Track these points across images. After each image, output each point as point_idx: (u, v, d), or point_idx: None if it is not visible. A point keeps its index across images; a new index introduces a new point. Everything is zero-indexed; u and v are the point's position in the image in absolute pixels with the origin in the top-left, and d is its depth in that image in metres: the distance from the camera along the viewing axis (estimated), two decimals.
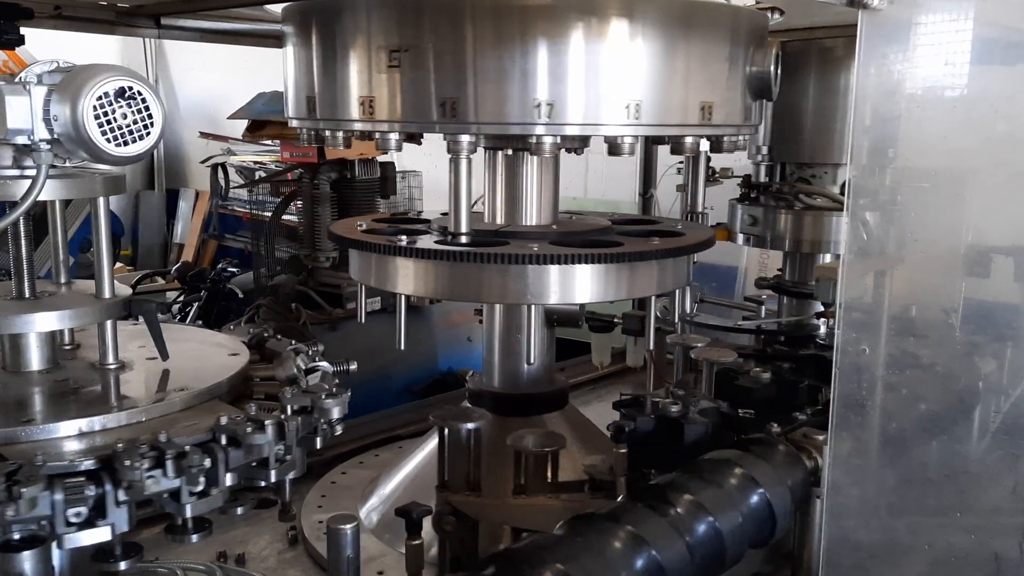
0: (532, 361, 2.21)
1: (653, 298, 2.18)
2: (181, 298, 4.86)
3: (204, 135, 7.75)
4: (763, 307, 3.13)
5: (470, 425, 1.92)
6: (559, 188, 2.37)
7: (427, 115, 1.87)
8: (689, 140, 2.01)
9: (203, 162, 7.81)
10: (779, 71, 2.10)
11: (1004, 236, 1.70)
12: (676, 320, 2.31)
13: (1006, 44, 1.81)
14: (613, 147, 1.94)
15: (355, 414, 3.23)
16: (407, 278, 2.11)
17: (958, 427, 1.59)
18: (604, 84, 1.87)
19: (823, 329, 2.80)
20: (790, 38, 2.66)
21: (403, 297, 2.14)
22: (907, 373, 1.60)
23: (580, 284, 2.05)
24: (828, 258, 2.81)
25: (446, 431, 1.94)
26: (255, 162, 7.11)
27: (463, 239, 2.06)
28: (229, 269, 4.59)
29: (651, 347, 2.35)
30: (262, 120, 4.38)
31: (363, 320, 2.29)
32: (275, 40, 2.15)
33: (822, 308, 2.83)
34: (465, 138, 1.91)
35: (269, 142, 5.90)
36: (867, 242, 1.69)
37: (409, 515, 1.72)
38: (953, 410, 1.60)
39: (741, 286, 4.40)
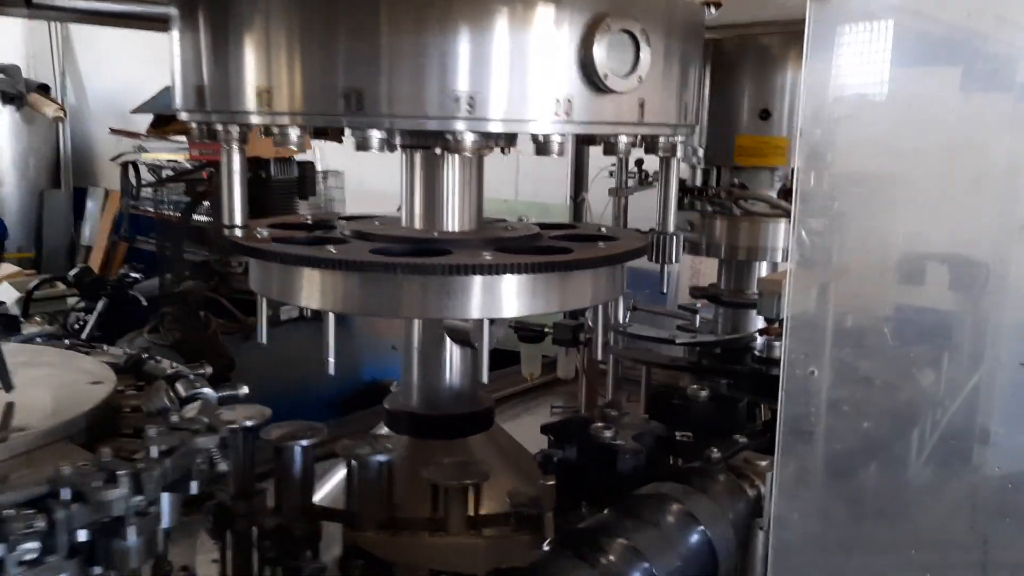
0: (485, 380, 2.03)
1: (600, 307, 2.02)
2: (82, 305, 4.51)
3: (114, 131, 7.32)
4: (698, 316, 3.00)
5: (380, 457, 1.72)
6: (483, 191, 2.19)
7: (332, 107, 1.67)
8: (624, 140, 1.85)
9: (113, 159, 7.39)
10: None
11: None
12: (599, 335, 2.14)
13: (945, 44, 1.71)
14: (541, 146, 1.76)
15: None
16: (313, 291, 1.90)
17: (912, 455, 1.46)
18: (532, 77, 1.70)
19: (759, 340, 2.69)
20: (726, 35, 2.53)
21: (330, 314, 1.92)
22: (859, 395, 1.47)
23: (508, 296, 1.86)
24: (765, 267, 2.69)
25: (353, 464, 1.74)
26: (168, 160, 6.74)
27: (376, 246, 1.87)
28: (132, 275, 4.27)
29: (599, 356, 2.19)
30: (167, 115, 4.09)
31: (263, 339, 2.05)
32: (162, 24, 1.91)
33: (761, 319, 2.72)
34: (375, 133, 1.71)
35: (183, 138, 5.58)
36: (813, 252, 1.55)
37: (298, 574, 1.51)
38: (907, 437, 1.47)
39: (675, 292, 4.29)
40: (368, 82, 1.64)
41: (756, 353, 2.56)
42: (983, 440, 1.62)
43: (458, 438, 2.20)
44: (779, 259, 2.58)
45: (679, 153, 2.03)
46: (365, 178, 5.63)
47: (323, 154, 5.45)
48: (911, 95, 1.66)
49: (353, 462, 1.74)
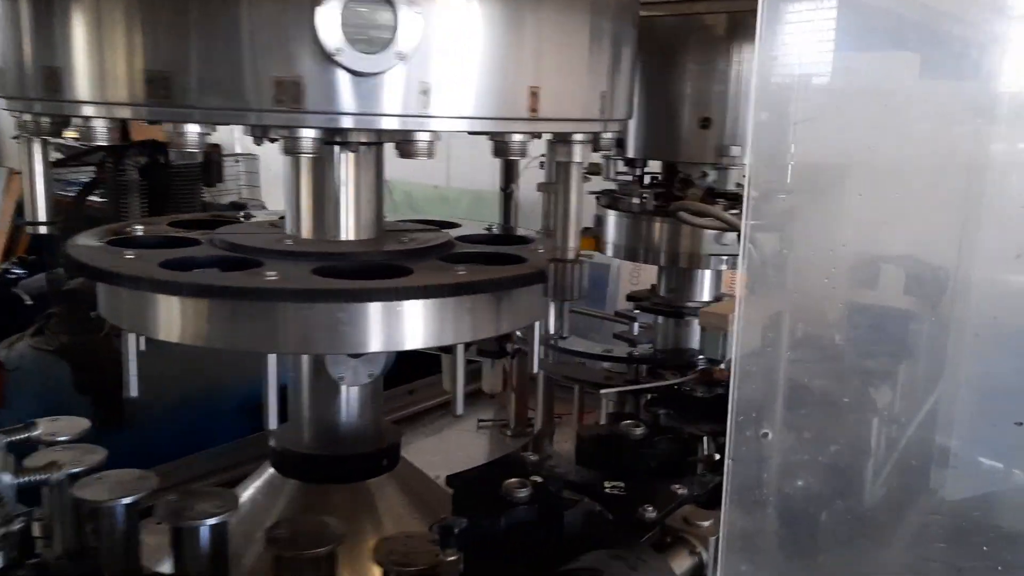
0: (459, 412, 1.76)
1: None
2: None
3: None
4: (636, 323, 2.72)
5: (211, 521, 1.39)
6: (383, 192, 1.87)
7: (134, 94, 1.32)
8: (579, 139, 1.55)
9: (15, 137, 6.83)
10: None
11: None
12: (535, 350, 1.86)
13: (905, 27, 1.50)
14: (405, 149, 1.46)
15: (177, 447, 2.69)
16: (169, 322, 1.57)
17: (886, 533, 1.20)
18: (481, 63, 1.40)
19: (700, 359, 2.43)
20: (664, 12, 2.24)
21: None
22: (821, 460, 1.20)
23: (411, 326, 1.56)
24: (708, 275, 2.42)
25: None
26: (74, 138, 6.22)
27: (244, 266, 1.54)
28: (14, 270, 3.83)
29: (534, 369, 1.91)
30: None
31: (132, 393, 1.71)
32: None
33: (701, 330, 2.46)
34: (192, 129, 1.36)
35: None
36: (765, 271, 1.28)
37: None
38: (882, 512, 1.21)
39: (614, 291, 4.03)
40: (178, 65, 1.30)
41: (700, 369, 2.31)
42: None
43: (358, 481, 1.90)
44: (722, 266, 2.32)
45: (577, 156, 1.60)
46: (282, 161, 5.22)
47: (234, 135, 5.03)
48: (867, 83, 1.46)
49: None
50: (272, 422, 1.61)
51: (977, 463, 1.45)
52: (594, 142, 1.67)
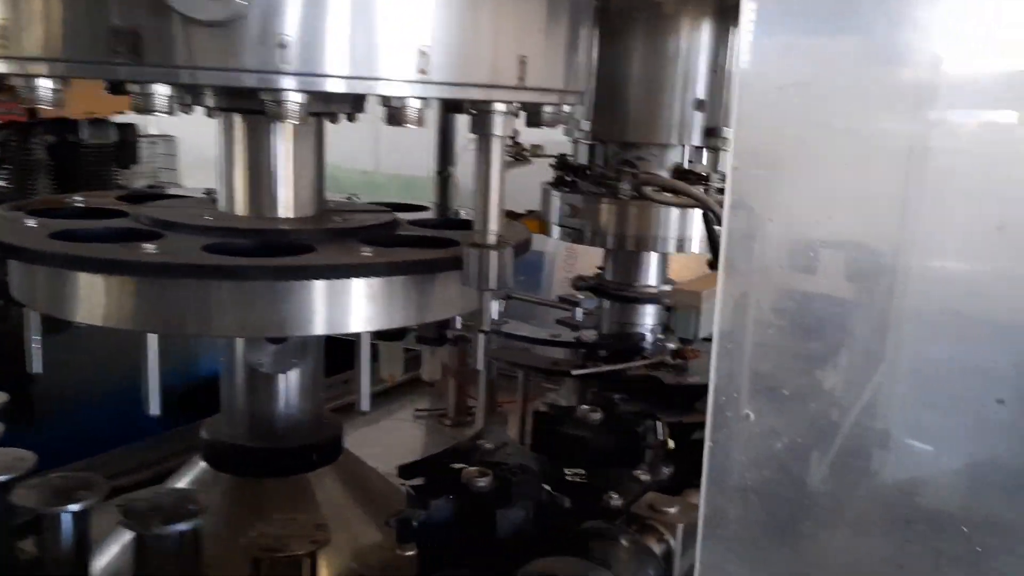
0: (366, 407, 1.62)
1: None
2: None
3: None
4: (579, 308, 2.66)
5: (181, 527, 1.28)
6: (324, 166, 1.76)
7: (95, 51, 1.20)
8: (500, 108, 1.46)
9: None
10: None
11: None
12: (480, 341, 1.77)
13: (844, 9, 1.47)
14: (394, 115, 1.35)
15: (86, 444, 2.50)
16: (92, 303, 1.43)
17: (872, 518, 1.17)
18: (380, 19, 1.28)
19: (650, 337, 2.39)
20: None
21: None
22: (808, 443, 1.16)
23: (358, 307, 1.46)
24: (655, 257, 2.38)
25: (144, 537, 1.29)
26: None
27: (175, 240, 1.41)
28: None
29: (480, 365, 1.81)
30: None
31: (35, 368, 1.57)
32: None
33: (651, 313, 2.42)
34: (161, 90, 1.25)
35: None
36: (744, 248, 1.23)
37: None
38: (864, 496, 1.17)
39: (550, 276, 3.96)
40: (150, 18, 1.18)
41: (647, 356, 2.27)
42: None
43: (297, 474, 1.78)
44: (671, 249, 2.27)
45: (498, 129, 1.44)
46: (203, 143, 4.99)
47: (153, 116, 4.75)
48: (812, 67, 1.43)
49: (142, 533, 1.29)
50: (154, 407, 1.48)
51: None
52: (535, 116, 1.58)
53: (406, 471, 1.48)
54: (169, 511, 1.29)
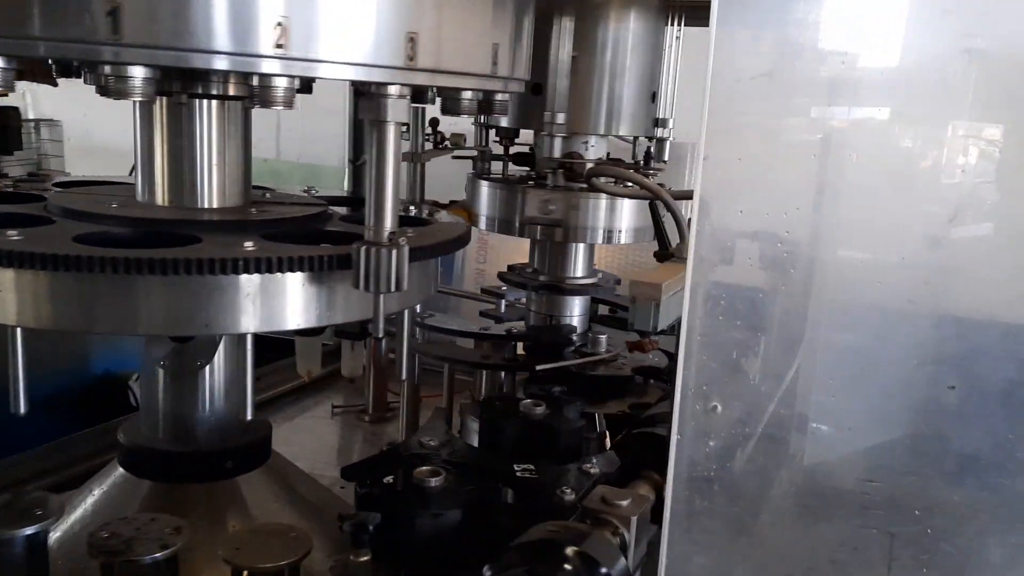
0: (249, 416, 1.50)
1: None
2: None
3: None
4: (503, 301, 2.64)
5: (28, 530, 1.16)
6: (251, 152, 1.67)
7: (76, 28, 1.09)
8: (468, 96, 1.41)
9: None
10: None
11: None
12: (404, 340, 1.71)
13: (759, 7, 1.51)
14: (367, 97, 1.29)
15: None
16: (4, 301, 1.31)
17: (829, 505, 1.19)
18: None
19: (579, 327, 2.39)
20: None
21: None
22: (778, 431, 1.17)
23: (292, 303, 1.38)
24: (582, 248, 2.38)
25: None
26: None
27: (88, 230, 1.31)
28: None
29: (402, 373, 1.75)
30: None
31: None
32: None
33: (577, 304, 2.42)
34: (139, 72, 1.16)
35: None
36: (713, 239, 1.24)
37: None
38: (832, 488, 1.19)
39: (462, 268, 3.92)
40: None
41: (578, 346, 2.27)
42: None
43: (224, 479, 1.69)
44: (599, 240, 2.28)
45: (389, 115, 1.31)
46: (92, 129, 4.70)
47: (35, 99, 4.42)
48: (734, 61, 1.46)
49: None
50: (20, 406, 1.36)
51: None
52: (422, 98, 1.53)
53: (351, 472, 1.41)
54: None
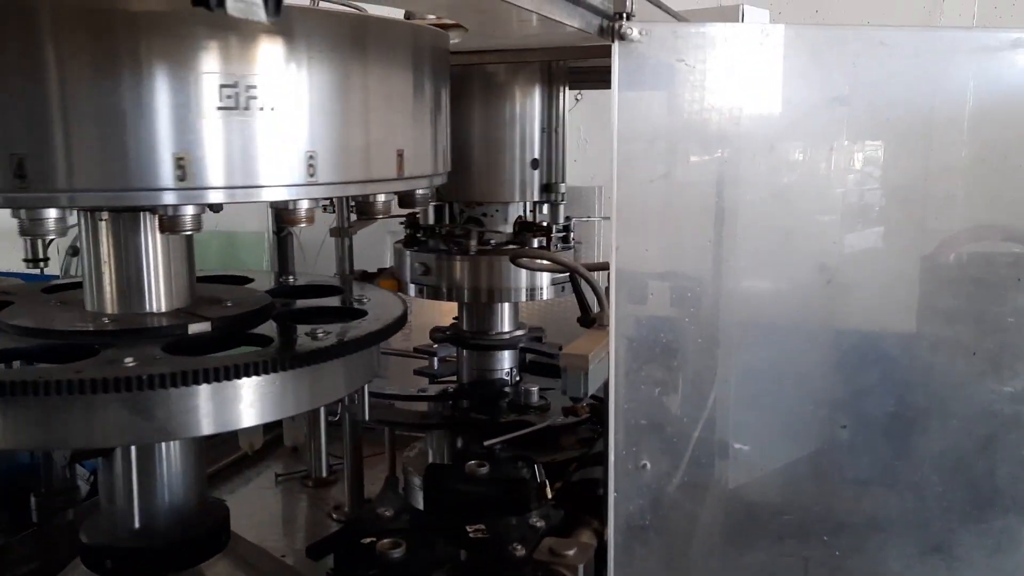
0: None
1: None
2: None
3: None
4: (436, 358, 2.77)
5: None
6: (194, 256, 1.76)
7: None
8: (382, 199, 1.55)
9: None
10: None
11: None
12: (365, 407, 1.83)
13: (655, 69, 1.69)
14: (284, 216, 1.41)
15: None
16: None
17: (749, 535, 1.36)
18: (264, 129, 1.34)
19: (510, 380, 2.53)
20: (454, 62, 2.31)
21: None
22: (706, 481, 1.33)
23: (247, 403, 1.48)
24: (508, 307, 2.53)
25: None
26: None
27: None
28: None
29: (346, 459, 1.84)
30: None
31: None
32: None
33: (507, 358, 2.56)
34: (51, 213, 1.25)
35: None
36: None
37: None
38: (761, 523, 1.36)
39: None
40: (39, 145, 1.18)
41: (511, 399, 2.41)
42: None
43: (189, 568, 1.75)
44: (523, 298, 2.44)
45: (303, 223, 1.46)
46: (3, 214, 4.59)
47: None
48: (631, 118, 1.64)
49: None
50: None
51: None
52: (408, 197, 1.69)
53: (315, 551, 1.51)
54: None
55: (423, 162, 1.63)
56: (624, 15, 1.42)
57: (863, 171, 1.80)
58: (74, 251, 3.93)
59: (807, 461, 1.54)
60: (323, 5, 1.63)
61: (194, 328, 1.57)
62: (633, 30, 1.42)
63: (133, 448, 1.69)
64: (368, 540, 1.50)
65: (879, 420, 1.46)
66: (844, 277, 1.77)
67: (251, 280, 2.07)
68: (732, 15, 2.40)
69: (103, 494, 1.76)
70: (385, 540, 1.47)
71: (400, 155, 1.52)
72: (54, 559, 1.96)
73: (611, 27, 1.42)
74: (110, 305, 1.64)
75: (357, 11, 1.54)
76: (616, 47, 1.43)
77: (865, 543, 1.34)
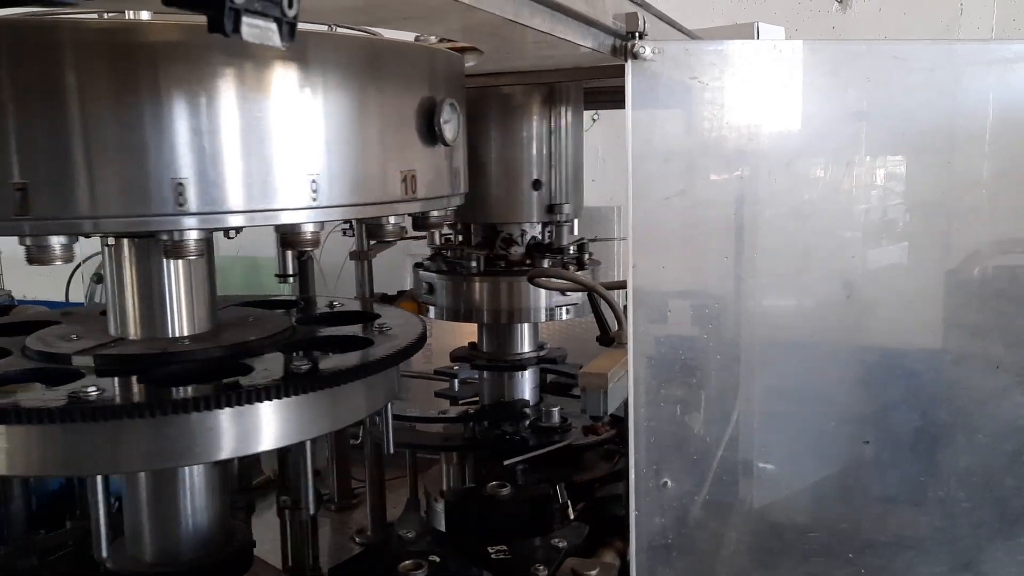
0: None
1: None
2: None
3: None
4: (456, 380, 2.77)
5: None
6: (215, 277, 1.77)
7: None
8: (392, 220, 1.56)
9: None
10: None
11: None
12: (388, 433, 1.82)
13: (670, 88, 1.69)
14: (290, 239, 1.42)
15: None
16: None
17: (775, 555, 1.34)
18: (275, 154, 1.35)
19: (531, 400, 2.53)
20: (470, 85, 2.33)
21: None
22: (729, 499, 1.32)
23: (268, 426, 1.49)
24: (527, 328, 2.53)
25: None
26: None
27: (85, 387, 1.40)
28: None
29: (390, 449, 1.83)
30: None
31: None
32: None
33: (528, 380, 2.56)
34: (57, 240, 1.27)
35: None
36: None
37: None
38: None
39: None
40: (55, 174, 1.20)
41: (532, 420, 2.40)
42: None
43: None
44: (542, 319, 2.44)
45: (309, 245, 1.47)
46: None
47: None
48: (654, 139, 1.64)
49: None
50: None
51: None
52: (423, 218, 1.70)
53: (339, 573, 1.51)
54: None
55: (436, 184, 1.64)
56: (637, 34, 1.43)
57: (884, 186, 1.79)
58: (98, 278, 3.99)
59: (832, 479, 1.52)
60: (338, 30, 1.65)
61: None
62: (646, 49, 1.43)
63: (153, 472, 1.70)
64: (390, 562, 1.49)
65: (905, 436, 1.44)
66: (867, 293, 1.75)
67: (298, 304, 2.07)
68: (747, 33, 2.41)
69: (127, 518, 1.77)
70: (407, 562, 1.47)
71: (411, 177, 1.52)
72: None
73: (624, 46, 1.43)
74: (133, 329, 1.66)
75: (371, 35, 1.55)
76: (629, 66, 1.44)
77: (893, 562, 1.31)
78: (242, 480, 2.71)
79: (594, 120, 3.65)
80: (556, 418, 2.34)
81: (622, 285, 1.53)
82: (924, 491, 1.39)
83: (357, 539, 2.66)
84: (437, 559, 1.49)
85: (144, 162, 1.26)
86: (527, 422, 2.36)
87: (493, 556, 1.60)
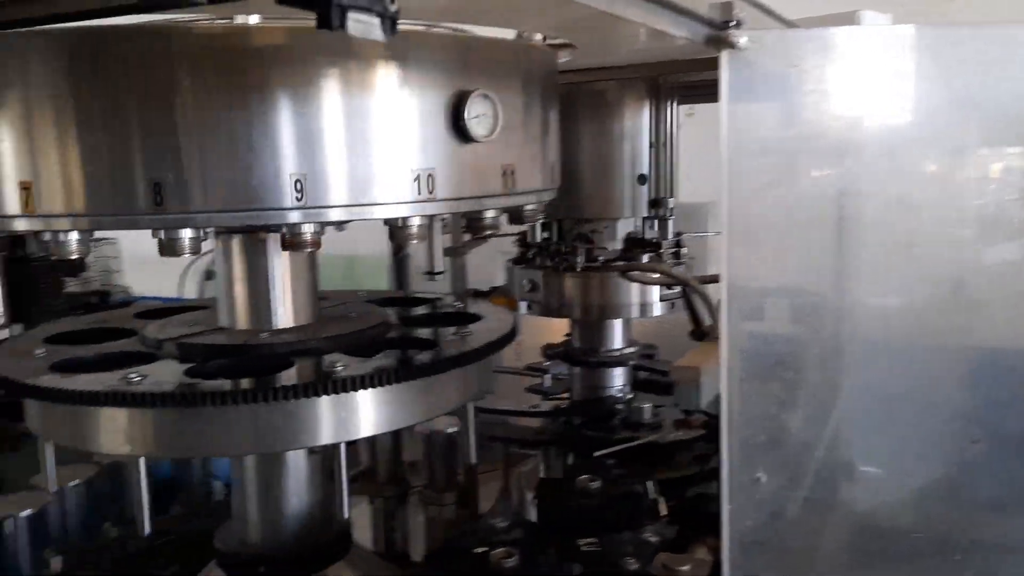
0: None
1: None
2: None
3: None
4: (547, 376, 2.79)
5: None
6: (317, 274, 1.84)
7: (129, 203, 1.29)
8: (491, 215, 1.59)
9: None
10: None
11: None
12: (471, 436, 1.86)
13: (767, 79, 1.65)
14: (398, 233, 1.47)
15: None
16: (117, 435, 1.48)
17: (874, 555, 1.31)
18: (382, 149, 1.40)
19: (623, 397, 2.52)
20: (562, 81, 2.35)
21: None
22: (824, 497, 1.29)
23: (366, 413, 1.54)
24: (619, 324, 2.52)
25: None
26: None
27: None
28: None
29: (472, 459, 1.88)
30: None
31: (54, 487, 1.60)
32: None
33: (619, 375, 2.55)
34: (186, 233, 1.35)
35: None
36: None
37: None
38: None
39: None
40: (175, 170, 1.28)
41: (624, 416, 2.39)
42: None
43: (312, 574, 1.82)
44: (634, 315, 2.43)
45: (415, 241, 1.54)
46: (141, 239, 4.94)
47: None
48: (750, 131, 1.61)
49: None
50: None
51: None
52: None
53: (432, 559, 1.55)
54: None
55: (532, 178, 1.66)
56: (732, 23, 1.41)
57: (1001, 179, 1.71)
58: (209, 275, 4.18)
59: (939, 482, 1.47)
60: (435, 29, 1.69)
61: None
62: (742, 38, 1.41)
63: (260, 457, 1.78)
64: (481, 550, 1.52)
65: (1015, 437, 1.37)
66: (978, 290, 1.68)
67: (427, 301, 2.12)
68: (847, 21, 2.33)
69: (234, 503, 1.86)
70: (498, 550, 1.49)
71: (510, 171, 1.55)
72: (193, 563, 2.07)
73: (718, 36, 1.41)
74: (241, 321, 1.74)
75: (467, 33, 1.58)
76: (724, 56, 1.42)
77: (1002, 565, 1.26)
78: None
79: (688, 115, 3.60)
80: (648, 415, 2.33)
81: (715, 279, 1.51)
82: None
83: (448, 529, 2.71)
84: (527, 549, 1.51)
85: (266, 159, 1.33)
86: (618, 418, 2.36)
87: (583, 548, 1.61)
